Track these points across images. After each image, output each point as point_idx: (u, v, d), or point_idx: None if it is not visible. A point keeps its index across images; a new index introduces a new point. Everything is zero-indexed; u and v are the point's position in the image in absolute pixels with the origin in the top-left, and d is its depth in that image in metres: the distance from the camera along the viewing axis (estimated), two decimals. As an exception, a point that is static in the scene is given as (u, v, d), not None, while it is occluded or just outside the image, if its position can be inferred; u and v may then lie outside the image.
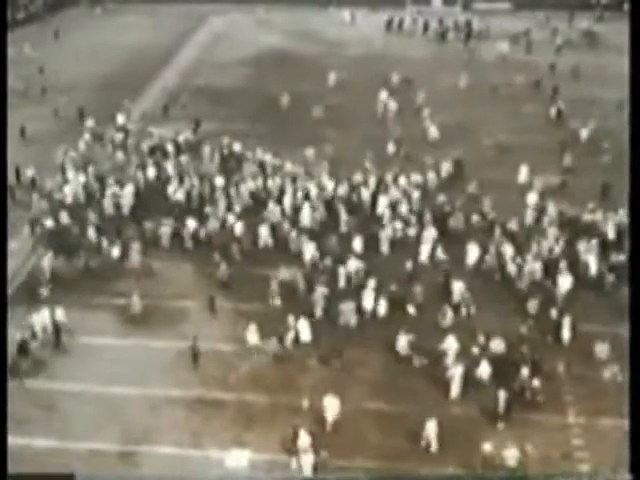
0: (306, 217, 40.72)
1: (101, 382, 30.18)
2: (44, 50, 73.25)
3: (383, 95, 58.30)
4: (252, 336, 32.08)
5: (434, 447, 27.02)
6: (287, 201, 42.03)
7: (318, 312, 33.95)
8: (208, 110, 57.03)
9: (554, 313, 32.89)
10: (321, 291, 34.27)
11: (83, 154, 48.82)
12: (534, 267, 35.85)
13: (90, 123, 52.46)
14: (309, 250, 37.65)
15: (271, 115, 56.51)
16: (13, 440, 27.02)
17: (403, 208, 41.16)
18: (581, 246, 37.08)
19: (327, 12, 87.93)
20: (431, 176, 45.25)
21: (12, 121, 47.93)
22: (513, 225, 39.57)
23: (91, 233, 39.73)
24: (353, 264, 36.18)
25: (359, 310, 33.77)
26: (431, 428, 26.95)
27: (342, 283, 35.85)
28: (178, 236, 39.72)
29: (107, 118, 53.99)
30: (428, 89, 60.25)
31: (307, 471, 25.90)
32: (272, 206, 41.40)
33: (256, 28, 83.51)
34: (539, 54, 70.53)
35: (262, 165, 46.62)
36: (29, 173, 45.68)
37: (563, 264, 35.60)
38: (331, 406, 27.85)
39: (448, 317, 32.97)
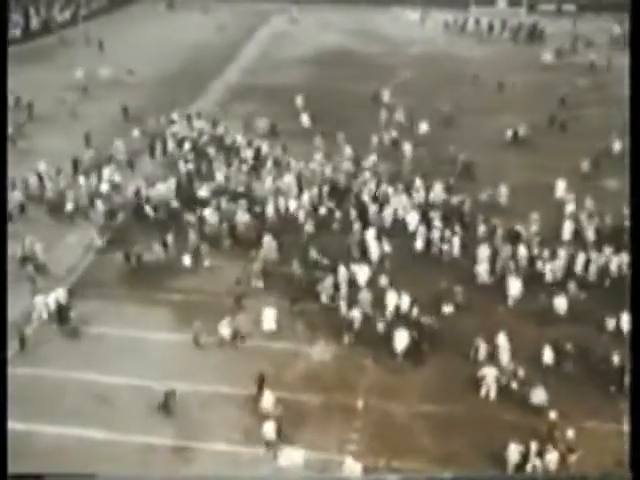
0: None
1: (154, 377, 30.19)
2: (108, 45, 73.95)
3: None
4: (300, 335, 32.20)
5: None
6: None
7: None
8: (269, 108, 56.85)
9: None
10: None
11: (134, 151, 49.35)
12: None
13: (136, 132, 52.40)
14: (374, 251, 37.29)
15: (333, 113, 56.18)
16: (66, 430, 27.37)
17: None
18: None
19: (390, 12, 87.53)
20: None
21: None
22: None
23: (152, 229, 40.07)
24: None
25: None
26: None
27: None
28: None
29: (166, 115, 54.39)
30: (489, 90, 59.45)
31: (357, 472, 25.54)
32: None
33: (318, 27, 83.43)
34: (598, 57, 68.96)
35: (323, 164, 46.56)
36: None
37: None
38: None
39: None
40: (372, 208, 40.85)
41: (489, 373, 29.30)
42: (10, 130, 51.47)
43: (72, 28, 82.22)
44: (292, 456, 26.29)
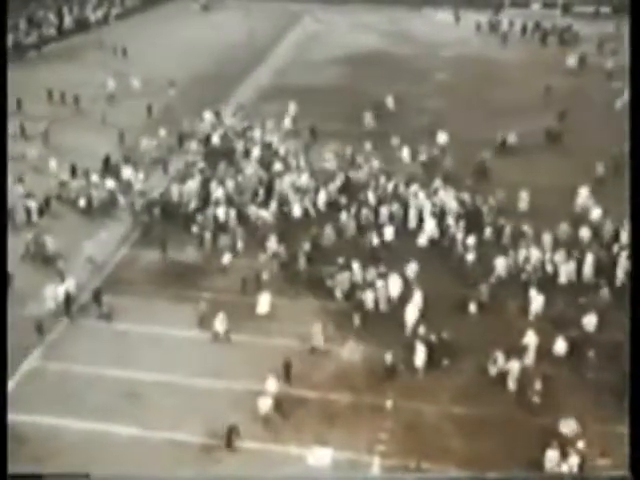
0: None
1: (185, 374, 30.14)
2: (139, 45, 74.25)
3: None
4: (318, 336, 31.85)
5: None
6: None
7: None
8: (301, 109, 56.72)
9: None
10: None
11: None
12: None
13: (162, 131, 52.34)
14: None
15: (364, 114, 55.89)
16: (96, 426, 27.33)
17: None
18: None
19: (422, 13, 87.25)
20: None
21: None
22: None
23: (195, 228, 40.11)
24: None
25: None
26: None
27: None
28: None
29: (197, 115, 54.48)
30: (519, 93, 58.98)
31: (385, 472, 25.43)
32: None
33: (351, 28, 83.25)
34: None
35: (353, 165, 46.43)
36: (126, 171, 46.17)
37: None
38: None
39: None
40: (392, 208, 40.78)
41: (513, 367, 29.16)
42: (43, 127, 51.95)
43: (105, 27, 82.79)
44: (320, 455, 26.09)
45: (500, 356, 29.83)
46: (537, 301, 33.72)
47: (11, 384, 29.45)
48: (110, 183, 44.36)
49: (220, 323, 32.27)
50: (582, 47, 72.63)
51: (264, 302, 33.92)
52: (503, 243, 38.21)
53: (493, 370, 29.77)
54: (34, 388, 29.53)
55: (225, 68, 68.73)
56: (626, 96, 49.23)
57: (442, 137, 50.30)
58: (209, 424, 27.71)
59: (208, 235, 39.15)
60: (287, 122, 54.00)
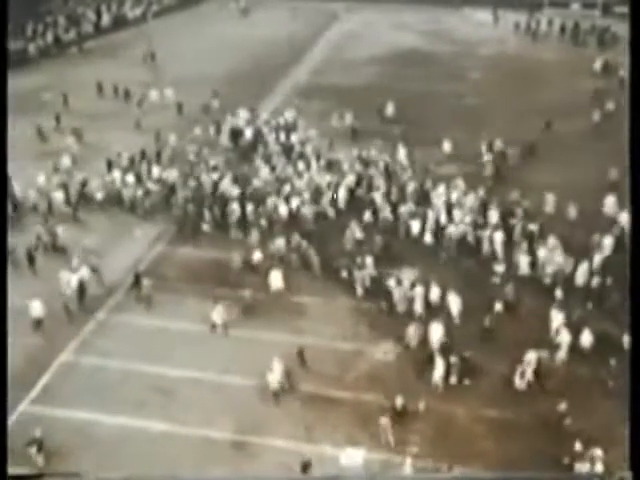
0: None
1: (217, 370, 30.22)
2: (178, 43, 74.51)
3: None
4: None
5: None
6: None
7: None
8: (338, 108, 56.59)
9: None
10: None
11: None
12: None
13: (197, 130, 52.47)
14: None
15: (402, 114, 55.61)
16: (127, 421, 27.40)
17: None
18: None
19: (461, 12, 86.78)
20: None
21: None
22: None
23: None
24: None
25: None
26: None
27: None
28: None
29: (233, 113, 54.51)
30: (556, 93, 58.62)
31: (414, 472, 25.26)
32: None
33: (388, 27, 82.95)
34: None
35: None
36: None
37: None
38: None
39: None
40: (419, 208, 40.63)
41: (531, 357, 29.15)
42: (77, 124, 52.33)
43: (143, 25, 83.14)
44: (353, 455, 25.96)
45: (528, 368, 29.45)
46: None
47: (45, 378, 29.69)
48: (149, 179, 44.78)
49: (218, 315, 32.51)
50: (619, 48, 71.65)
51: (276, 278, 34.63)
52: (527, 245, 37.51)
53: (521, 384, 29.38)
54: (67, 382, 29.71)
55: (263, 67, 68.62)
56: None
57: (446, 146, 49.36)
58: (240, 421, 27.77)
59: (240, 232, 39.32)
60: (325, 120, 53.84)
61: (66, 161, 47.16)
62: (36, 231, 39.00)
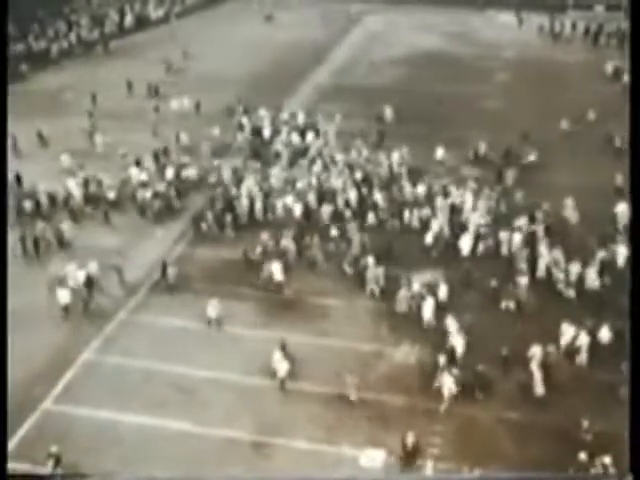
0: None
1: (238, 371, 30.21)
2: (200, 43, 74.67)
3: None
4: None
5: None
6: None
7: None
8: (360, 109, 56.48)
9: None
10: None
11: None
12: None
13: (216, 130, 52.46)
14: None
15: (424, 115, 55.50)
16: (149, 420, 27.47)
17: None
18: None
19: (485, 14, 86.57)
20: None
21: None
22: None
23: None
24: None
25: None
26: None
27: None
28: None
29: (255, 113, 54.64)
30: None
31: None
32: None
33: (410, 28, 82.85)
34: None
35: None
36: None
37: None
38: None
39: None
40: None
41: (536, 352, 29.17)
42: (88, 125, 52.70)
43: (166, 25, 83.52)
44: (373, 457, 25.93)
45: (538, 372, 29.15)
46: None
47: (68, 376, 29.80)
48: (167, 177, 45.05)
49: (213, 309, 32.59)
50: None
51: (276, 271, 35.05)
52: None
53: (539, 390, 29.06)
54: (90, 381, 29.81)
55: (286, 67, 68.77)
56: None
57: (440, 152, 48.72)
58: (260, 421, 27.75)
59: (259, 232, 39.10)
60: (347, 121, 53.73)
61: (88, 161, 47.28)
62: (55, 227, 39.46)
